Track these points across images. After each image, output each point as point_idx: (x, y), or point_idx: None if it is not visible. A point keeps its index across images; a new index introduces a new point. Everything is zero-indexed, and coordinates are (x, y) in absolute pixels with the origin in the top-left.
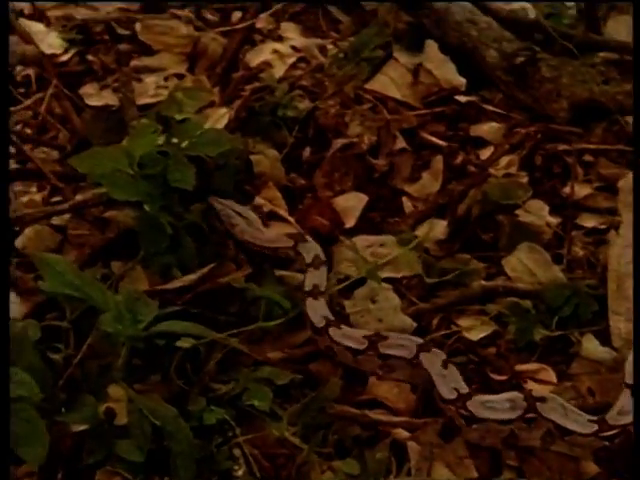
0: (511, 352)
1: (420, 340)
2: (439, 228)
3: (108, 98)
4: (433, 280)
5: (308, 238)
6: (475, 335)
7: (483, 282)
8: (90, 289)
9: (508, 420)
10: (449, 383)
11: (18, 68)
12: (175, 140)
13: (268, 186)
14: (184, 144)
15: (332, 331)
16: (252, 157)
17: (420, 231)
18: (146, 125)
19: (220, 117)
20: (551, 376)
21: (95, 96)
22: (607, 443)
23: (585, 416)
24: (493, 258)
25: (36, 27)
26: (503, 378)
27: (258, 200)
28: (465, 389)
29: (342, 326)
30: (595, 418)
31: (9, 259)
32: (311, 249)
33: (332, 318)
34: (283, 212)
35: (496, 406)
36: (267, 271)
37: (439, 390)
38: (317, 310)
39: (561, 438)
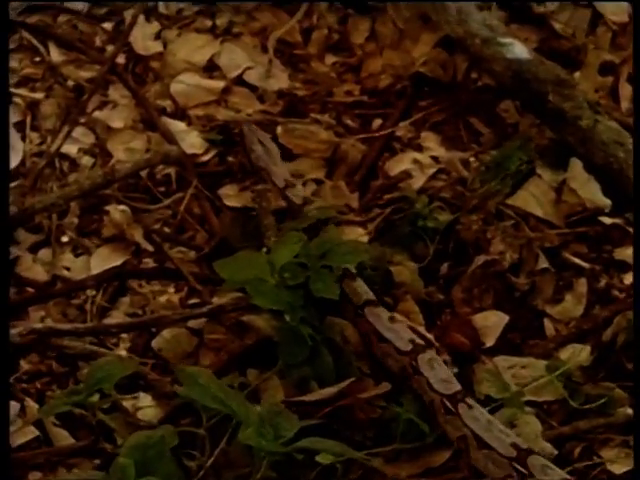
0: None
1: None
2: (583, 354)
3: (247, 200)
4: (578, 405)
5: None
6: (619, 469)
7: (629, 410)
8: (232, 402)
9: None
10: None
11: (159, 167)
12: (313, 250)
13: (406, 299)
14: (322, 254)
15: None
16: (392, 268)
17: (562, 355)
18: (291, 235)
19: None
20: None
21: (234, 197)
22: None
23: None
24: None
25: (178, 126)
26: None
27: (396, 316)
28: None
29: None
30: None
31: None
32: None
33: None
34: (421, 329)
35: None
36: (407, 389)
37: None
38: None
39: None
